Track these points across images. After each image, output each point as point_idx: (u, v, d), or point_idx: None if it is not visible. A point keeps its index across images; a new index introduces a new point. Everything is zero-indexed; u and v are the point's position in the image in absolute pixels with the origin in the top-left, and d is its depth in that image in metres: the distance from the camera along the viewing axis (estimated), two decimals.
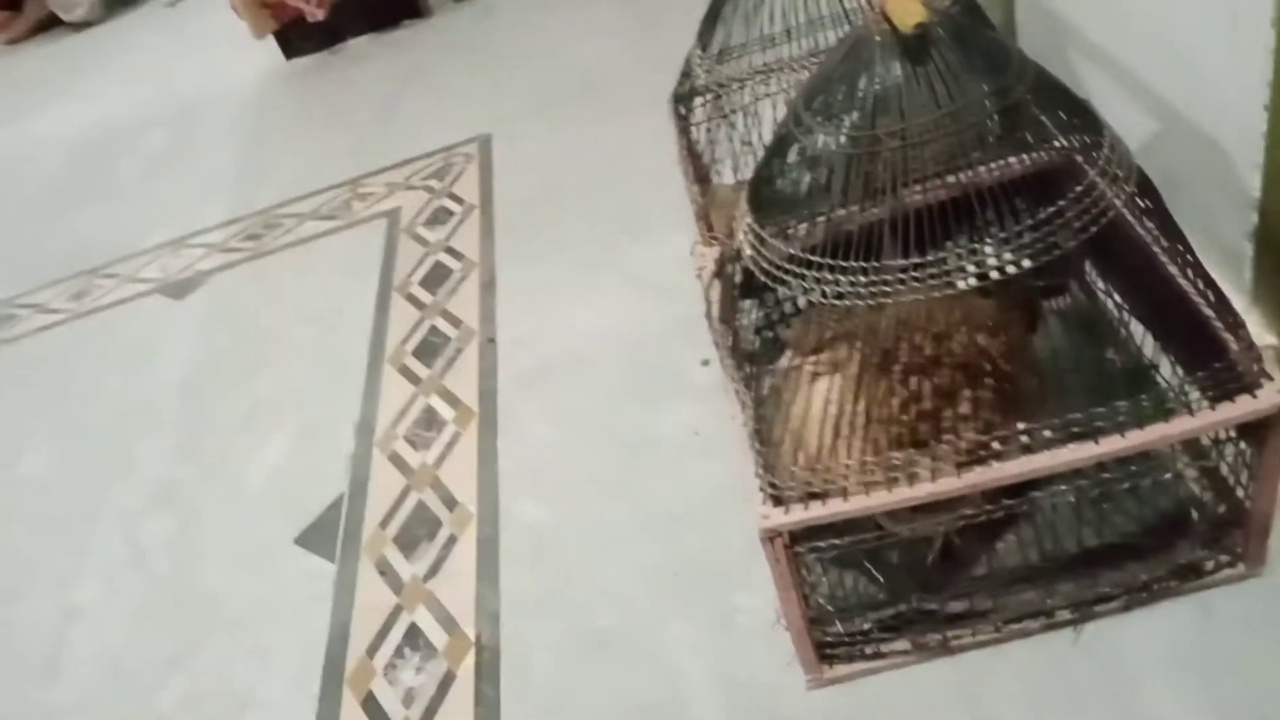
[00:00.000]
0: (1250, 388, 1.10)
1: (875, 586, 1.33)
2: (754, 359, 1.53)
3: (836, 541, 1.19)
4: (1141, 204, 1.20)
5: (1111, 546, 1.27)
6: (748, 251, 1.21)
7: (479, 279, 2.34)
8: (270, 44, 3.81)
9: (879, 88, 1.09)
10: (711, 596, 1.53)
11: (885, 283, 1.06)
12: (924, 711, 1.30)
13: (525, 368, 2.07)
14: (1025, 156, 1.21)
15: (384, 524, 1.84)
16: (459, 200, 2.65)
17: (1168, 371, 1.34)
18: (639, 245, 2.25)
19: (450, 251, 2.47)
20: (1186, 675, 1.24)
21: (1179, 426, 1.09)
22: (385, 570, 1.77)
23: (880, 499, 1.14)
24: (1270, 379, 1.10)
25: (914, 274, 1.06)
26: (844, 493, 1.14)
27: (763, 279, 1.18)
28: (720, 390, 1.81)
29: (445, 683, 1.57)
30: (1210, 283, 1.16)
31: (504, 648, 1.58)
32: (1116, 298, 1.48)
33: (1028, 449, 1.12)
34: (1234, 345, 1.13)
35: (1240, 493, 1.24)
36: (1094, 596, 1.28)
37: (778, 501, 1.17)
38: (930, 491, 1.13)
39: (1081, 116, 1.14)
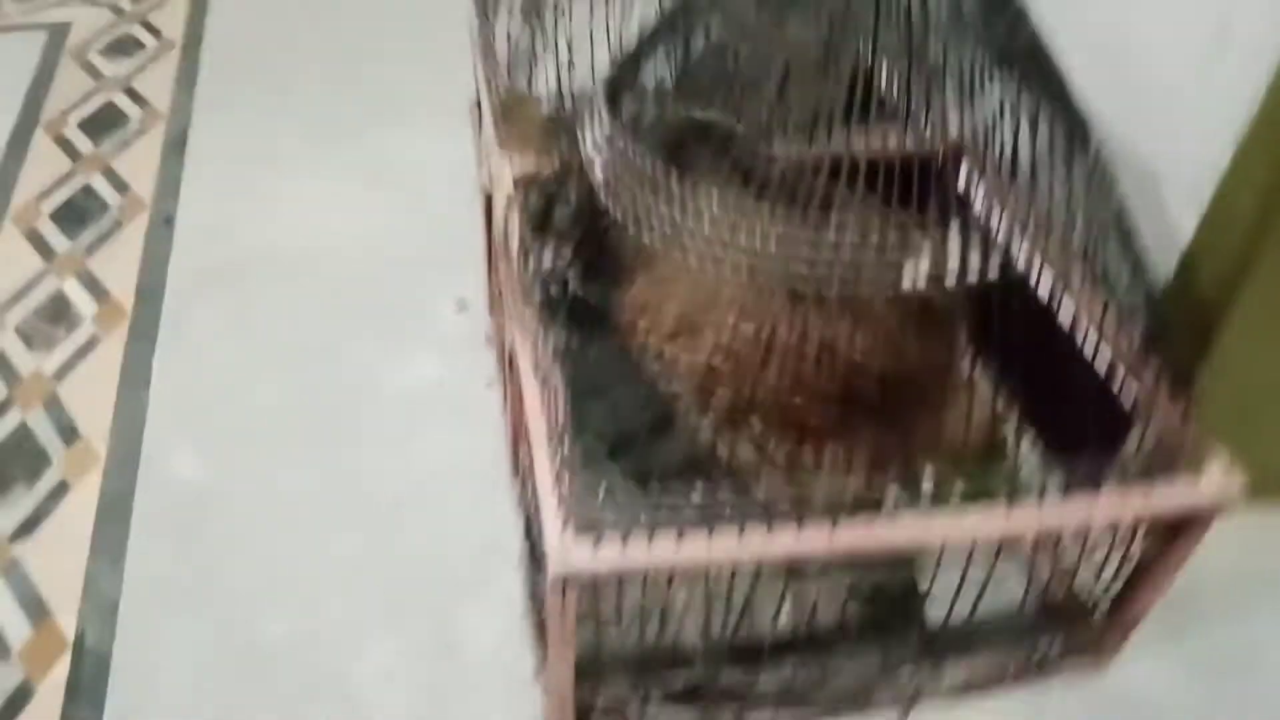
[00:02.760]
0: (1192, 469, 0.88)
1: (673, 643, 0.99)
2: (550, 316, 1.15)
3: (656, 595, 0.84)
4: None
5: (959, 628, 1.02)
6: (599, 173, 0.83)
7: (163, 136, 1.76)
8: None
9: None
10: (431, 614, 1.14)
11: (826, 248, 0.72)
12: None
13: (211, 263, 1.55)
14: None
15: None
16: (154, 31, 2.02)
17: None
18: (393, 129, 1.78)
19: (130, 94, 1.86)
20: None
21: (1117, 507, 0.85)
22: None
23: (726, 548, 0.80)
24: (1213, 458, 0.88)
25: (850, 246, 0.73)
26: (681, 533, 0.79)
27: (613, 208, 0.81)
28: (476, 345, 1.41)
29: (16, 700, 1.07)
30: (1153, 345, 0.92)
31: (117, 657, 1.10)
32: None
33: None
34: (1172, 415, 0.90)
35: (1105, 582, 1.03)
36: (927, 683, 1.03)
37: (583, 529, 0.80)
38: (792, 548, 0.81)
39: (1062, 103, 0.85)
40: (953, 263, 0.72)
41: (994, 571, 0.88)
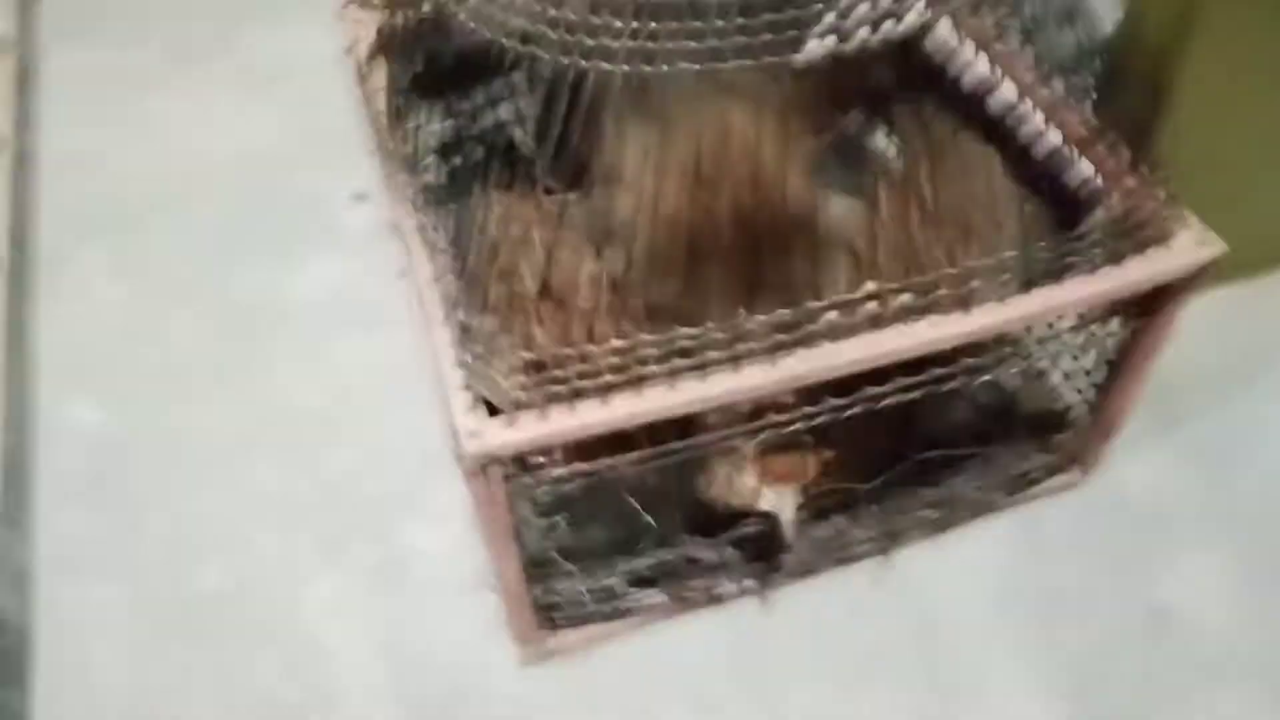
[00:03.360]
0: (1161, 238, 0.78)
1: (629, 527, 0.91)
2: (438, 194, 1.02)
3: (584, 468, 0.75)
4: None
5: (932, 457, 0.94)
6: None
7: (11, 67, 1.59)
8: None
9: None
10: (374, 535, 1.06)
11: (701, 38, 0.60)
12: (680, 686, 0.93)
13: (85, 199, 1.41)
14: None
15: None
16: None
17: None
18: (264, 30, 1.63)
19: None
20: (1005, 611, 0.96)
21: (1088, 288, 0.76)
22: None
23: (656, 402, 0.71)
24: (1183, 224, 0.79)
25: (747, 33, 0.61)
26: (605, 391, 0.70)
27: (489, 34, 0.69)
28: (380, 236, 1.29)
29: None
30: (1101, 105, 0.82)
31: (39, 629, 1.01)
32: None
33: (876, 323, 0.73)
34: (1133, 183, 0.80)
35: (1080, 384, 0.96)
36: (907, 523, 0.96)
37: (493, 410, 0.70)
38: (732, 390, 0.72)
39: None
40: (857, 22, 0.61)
41: (956, 384, 0.78)
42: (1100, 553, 0.99)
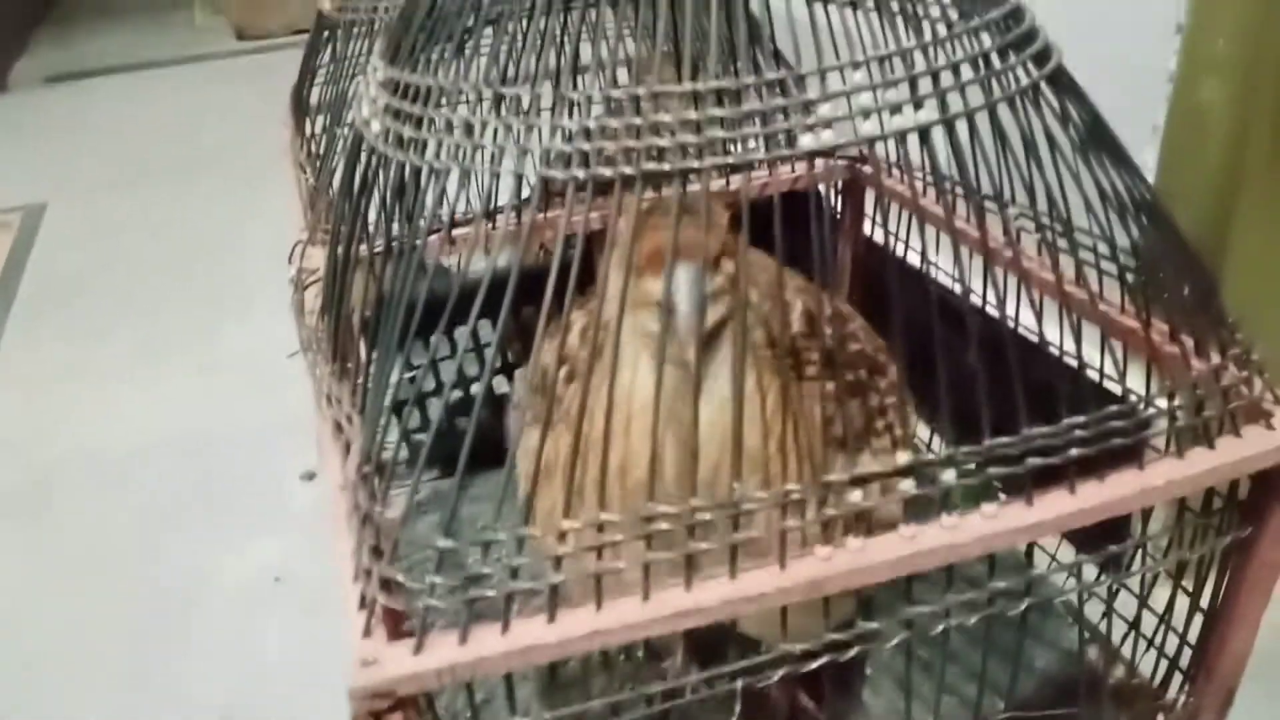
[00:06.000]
0: (1256, 414, 0.63)
1: None
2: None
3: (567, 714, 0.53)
4: None
5: None
6: (375, 128, 0.60)
7: None
8: None
9: None
10: None
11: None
12: None
13: (7, 485, 1.27)
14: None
15: None
16: None
17: None
18: (233, 328, 1.59)
19: None
20: None
21: (1190, 468, 0.58)
22: None
23: (629, 616, 0.52)
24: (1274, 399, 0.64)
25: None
26: (594, 591, 0.51)
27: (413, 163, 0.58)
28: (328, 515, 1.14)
29: None
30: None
31: None
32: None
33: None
34: (1215, 355, 0.66)
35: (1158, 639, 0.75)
36: None
37: (397, 627, 0.51)
38: (729, 600, 0.53)
39: None
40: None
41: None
42: None
